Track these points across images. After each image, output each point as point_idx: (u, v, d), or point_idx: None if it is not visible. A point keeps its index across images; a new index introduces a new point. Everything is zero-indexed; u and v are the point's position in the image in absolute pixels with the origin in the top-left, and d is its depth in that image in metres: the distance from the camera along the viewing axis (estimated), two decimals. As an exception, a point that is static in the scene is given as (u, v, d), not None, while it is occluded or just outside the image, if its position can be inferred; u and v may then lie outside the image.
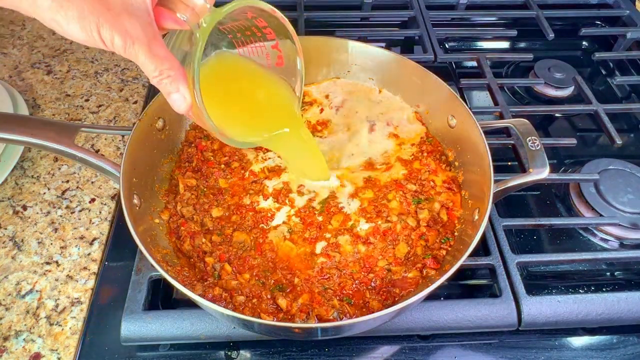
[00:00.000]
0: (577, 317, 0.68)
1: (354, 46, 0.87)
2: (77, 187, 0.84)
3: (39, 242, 0.77)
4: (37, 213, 0.80)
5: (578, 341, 0.70)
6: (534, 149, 0.68)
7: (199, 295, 0.57)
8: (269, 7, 0.54)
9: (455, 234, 0.71)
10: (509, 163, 0.88)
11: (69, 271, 0.74)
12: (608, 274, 0.78)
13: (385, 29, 1.22)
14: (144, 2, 0.46)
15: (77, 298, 0.71)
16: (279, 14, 0.55)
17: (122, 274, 0.72)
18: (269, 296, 0.63)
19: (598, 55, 1.08)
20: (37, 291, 0.72)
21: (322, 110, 0.87)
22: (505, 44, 1.20)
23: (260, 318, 0.60)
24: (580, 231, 0.81)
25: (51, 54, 1.08)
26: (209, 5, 0.50)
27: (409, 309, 0.65)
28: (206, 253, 0.68)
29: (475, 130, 0.71)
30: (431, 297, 0.60)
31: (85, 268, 0.74)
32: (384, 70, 0.87)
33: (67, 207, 0.82)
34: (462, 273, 0.76)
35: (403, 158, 0.79)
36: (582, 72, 1.06)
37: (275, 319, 0.61)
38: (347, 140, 0.82)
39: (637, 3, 1.24)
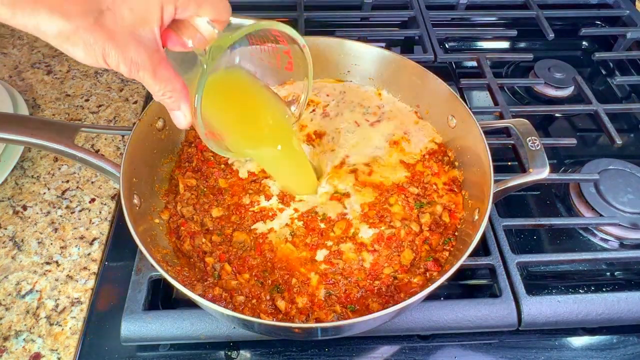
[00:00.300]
0: (577, 317, 0.68)
1: (354, 46, 0.87)
2: (77, 187, 0.84)
3: (39, 242, 0.77)
4: (37, 213, 0.80)
5: (578, 341, 0.70)
6: (534, 149, 0.68)
7: (199, 295, 0.57)
8: (281, 29, 0.54)
9: (456, 234, 0.71)
10: (509, 163, 0.88)
11: (69, 271, 0.74)
12: (608, 274, 0.78)
13: (385, 29, 1.22)
14: (152, 31, 0.47)
15: (77, 298, 0.71)
16: (292, 33, 0.55)
17: (122, 274, 0.72)
18: (267, 297, 0.63)
19: (598, 55, 1.08)
20: (37, 291, 0.72)
21: (314, 110, 0.86)
22: (505, 44, 1.20)
23: (260, 318, 0.60)
24: (580, 231, 0.81)
25: (51, 53, 1.08)
26: (217, 32, 0.49)
27: (409, 309, 0.65)
28: (206, 253, 0.68)
29: (475, 130, 0.71)
30: (431, 297, 0.60)
31: (85, 268, 0.74)
32: (383, 71, 0.87)
33: (67, 207, 0.82)
34: (462, 273, 0.76)
35: (406, 162, 0.79)
36: (582, 72, 1.06)
37: (274, 320, 0.61)
38: (342, 141, 0.82)
39: (637, 3, 1.24)
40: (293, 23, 1.13)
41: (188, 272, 0.65)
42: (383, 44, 1.14)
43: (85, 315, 0.70)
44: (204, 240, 0.69)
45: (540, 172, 0.66)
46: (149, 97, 0.99)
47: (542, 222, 0.78)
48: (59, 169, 0.87)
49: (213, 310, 0.57)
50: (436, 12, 1.17)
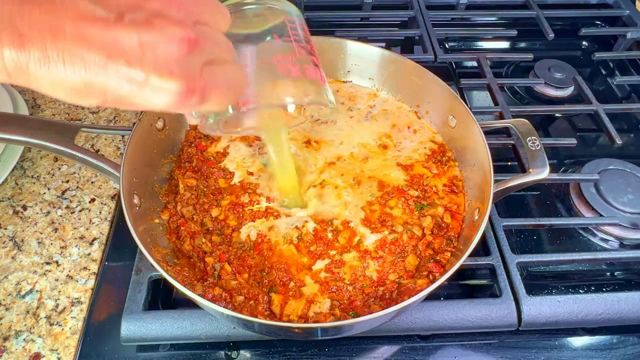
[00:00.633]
0: (577, 317, 0.68)
1: (354, 46, 0.87)
2: (77, 187, 0.84)
3: (39, 242, 0.77)
4: (37, 213, 0.80)
5: (578, 341, 0.70)
6: (534, 149, 0.68)
7: (199, 295, 0.57)
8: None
9: (459, 236, 0.70)
10: (509, 163, 0.88)
11: (69, 271, 0.74)
12: (608, 274, 0.78)
13: (385, 29, 1.22)
14: None
15: (77, 298, 0.71)
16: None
17: (122, 274, 0.72)
18: (265, 299, 0.63)
19: (598, 55, 1.08)
20: (37, 291, 0.72)
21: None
22: (505, 44, 1.20)
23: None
24: (580, 231, 0.81)
25: (51, 54, 1.07)
26: None
27: (409, 309, 0.65)
28: (206, 253, 0.68)
29: (475, 130, 0.71)
30: (431, 297, 0.60)
31: (85, 268, 0.74)
32: (383, 71, 0.87)
33: (67, 207, 0.82)
34: (462, 273, 0.76)
35: (402, 163, 0.79)
36: (582, 72, 1.06)
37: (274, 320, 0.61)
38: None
39: (637, 3, 1.24)
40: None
41: (188, 272, 0.65)
42: (383, 44, 1.14)
43: (85, 315, 0.70)
44: (204, 240, 0.69)
45: (541, 172, 0.66)
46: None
47: (542, 222, 0.78)
48: (59, 169, 0.87)
49: (213, 310, 0.57)
50: (436, 12, 1.17)
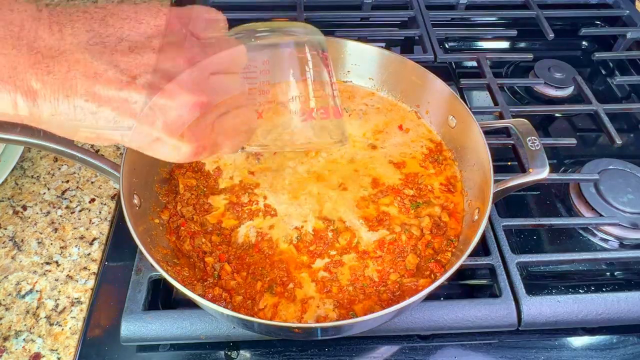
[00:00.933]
0: (577, 317, 0.68)
1: (354, 46, 0.87)
2: (77, 187, 0.84)
3: (38, 242, 0.77)
4: (37, 213, 0.80)
5: (578, 341, 0.70)
6: (533, 149, 0.68)
7: (199, 295, 0.57)
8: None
9: (459, 236, 0.71)
10: (509, 163, 0.88)
11: (69, 271, 0.74)
12: (608, 274, 0.78)
13: (385, 29, 1.22)
14: None
15: (77, 298, 0.71)
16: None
17: (122, 274, 0.72)
18: (262, 300, 0.63)
19: (598, 55, 1.08)
20: (37, 291, 0.72)
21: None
22: (505, 44, 1.20)
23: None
24: (580, 231, 0.81)
25: (51, 54, 1.07)
26: None
27: (409, 309, 0.65)
28: (206, 253, 0.68)
29: (475, 130, 0.71)
30: (431, 297, 0.60)
31: (85, 268, 0.74)
32: (383, 71, 0.87)
33: (67, 207, 0.82)
34: (462, 273, 0.76)
35: (394, 161, 0.79)
36: (582, 72, 1.06)
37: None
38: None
39: (637, 3, 1.24)
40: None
41: (188, 272, 0.65)
42: (383, 44, 1.14)
43: (85, 315, 0.70)
44: (203, 240, 0.69)
45: (540, 172, 0.66)
46: (148, 97, 0.99)
47: (542, 222, 0.78)
48: (59, 169, 0.87)
49: (213, 310, 0.57)
50: (436, 12, 1.17)
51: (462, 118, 0.75)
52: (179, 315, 0.65)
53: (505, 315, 0.67)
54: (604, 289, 0.73)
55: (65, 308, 0.70)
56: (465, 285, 0.76)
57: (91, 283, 0.73)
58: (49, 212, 0.81)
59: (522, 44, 1.20)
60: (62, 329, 0.68)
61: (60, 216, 0.80)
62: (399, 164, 0.79)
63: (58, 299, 0.71)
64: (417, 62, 0.82)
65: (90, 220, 0.80)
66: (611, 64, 1.14)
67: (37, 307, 0.70)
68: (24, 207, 0.81)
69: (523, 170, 0.83)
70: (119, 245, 0.77)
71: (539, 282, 0.75)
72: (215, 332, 0.65)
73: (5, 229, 0.78)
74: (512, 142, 0.87)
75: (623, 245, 0.80)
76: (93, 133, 0.39)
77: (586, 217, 0.81)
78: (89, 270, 0.74)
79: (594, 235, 0.81)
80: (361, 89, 0.90)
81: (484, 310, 0.67)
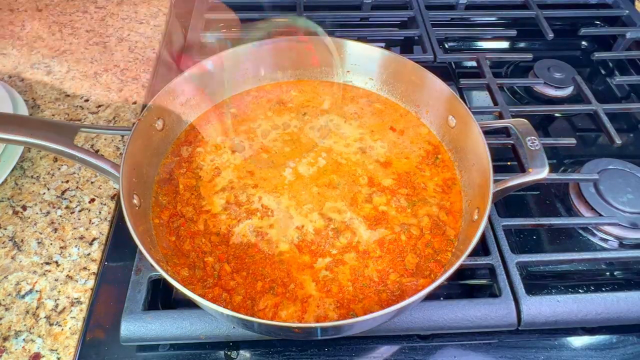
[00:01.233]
0: (576, 316, 0.68)
1: (354, 46, 0.87)
2: (77, 187, 0.84)
3: (38, 242, 0.77)
4: (37, 213, 0.80)
5: (578, 341, 0.70)
6: (533, 148, 0.68)
7: (199, 295, 0.57)
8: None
9: (459, 236, 0.71)
10: (509, 163, 0.88)
11: (69, 271, 0.74)
12: (607, 273, 0.78)
13: (384, 29, 1.22)
14: None
15: (77, 298, 0.71)
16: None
17: (121, 274, 0.72)
18: (262, 301, 0.63)
19: (597, 55, 1.08)
20: (36, 291, 0.72)
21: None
22: (504, 44, 1.20)
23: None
24: (580, 231, 0.81)
25: (51, 54, 1.07)
26: None
27: (409, 308, 0.65)
28: (206, 253, 0.68)
29: (474, 130, 0.71)
30: (431, 297, 0.60)
31: (85, 268, 0.74)
32: (383, 71, 0.87)
33: (66, 207, 0.82)
34: (462, 273, 0.76)
35: (393, 161, 0.79)
36: (581, 72, 1.06)
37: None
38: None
39: (636, 3, 1.24)
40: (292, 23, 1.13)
41: (188, 272, 0.65)
42: (383, 44, 1.15)
43: (85, 315, 0.70)
44: (203, 240, 0.69)
45: (540, 172, 0.66)
46: (148, 98, 0.99)
47: (542, 222, 0.78)
48: (59, 169, 0.87)
49: (213, 310, 0.57)
50: (436, 12, 1.17)
51: (462, 118, 0.75)
52: (179, 315, 0.65)
53: (505, 315, 0.67)
54: (603, 289, 0.73)
55: (65, 308, 0.70)
56: (465, 285, 0.76)
57: (91, 283, 0.73)
58: (48, 212, 0.81)
59: (522, 44, 1.20)
60: (62, 329, 0.68)
61: (60, 216, 0.80)
62: (398, 164, 0.79)
63: (58, 299, 0.71)
64: (416, 62, 0.82)
65: (90, 221, 0.80)
66: (611, 64, 1.14)
67: (37, 307, 0.70)
68: (24, 207, 0.81)
69: (523, 170, 0.83)
70: (119, 245, 0.77)
71: (539, 281, 0.75)
72: (215, 332, 0.65)
73: (5, 229, 0.78)
74: (511, 142, 0.87)
75: (622, 245, 0.80)
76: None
77: (586, 217, 0.81)
78: (89, 270, 0.74)
79: (594, 235, 0.81)
80: (361, 89, 0.90)
81: (483, 310, 0.67)
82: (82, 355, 0.66)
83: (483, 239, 0.74)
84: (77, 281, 0.73)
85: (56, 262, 0.75)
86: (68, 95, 1.00)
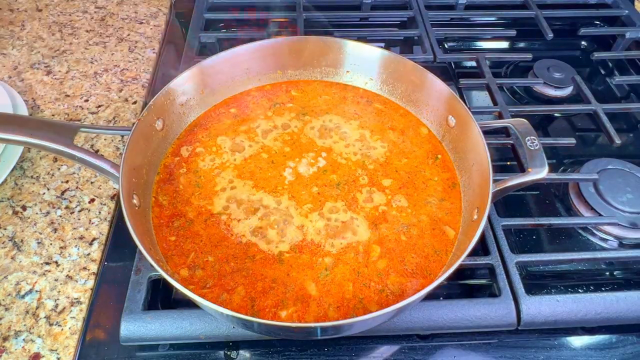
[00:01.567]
0: (576, 316, 0.68)
1: (353, 46, 0.87)
2: (77, 188, 0.84)
3: (38, 243, 0.77)
4: (37, 213, 0.81)
5: (577, 341, 0.70)
6: (533, 148, 0.68)
7: (199, 295, 0.57)
8: None
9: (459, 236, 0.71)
10: (508, 163, 0.88)
11: (69, 271, 0.74)
12: (607, 273, 0.78)
13: (384, 29, 1.23)
14: None
15: (77, 298, 0.71)
16: None
17: (121, 274, 0.72)
18: (262, 301, 0.63)
19: (597, 55, 1.09)
20: (36, 291, 0.72)
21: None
22: (504, 44, 1.20)
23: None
24: (580, 231, 0.81)
25: (50, 54, 1.08)
26: None
27: (408, 308, 0.65)
28: (206, 253, 0.68)
29: (474, 130, 0.72)
30: (430, 296, 0.61)
31: (84, 268, 0.74)
32: (383, 71, 0.87)
33: (66, 207, 0.82)
34: (462, 273, 0.76)
35: (392, 161, 0.79)
36: (581, 72, 1.06)
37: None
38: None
39: (636, 3, 1.24)
40: (292, 23, 1.13)
41: (188, 272, 0.65)
42: (382, 44, 1.15)
43: (85, 316, 0.70)
44: (203, 240, 0.69)
45: (539, 172, 0.66)
46: (148, 98, 0.99)
47: (542, 222, 0.78)
48: (59, 169, 0.87)
49: (213, 310, 0.57)
50: (435, 12, 1.17)
51: (462, 118, 0.76)
52: (179, 315, 0.65)
53: (505, 315, 0.67)
54: (603, 289, 0.73)
55: (64, 308, 0.70)
56: (465, 285, 0.76)
57: (91, 283, 0.73)
58: (48, 212, 0.81)
59: (522, 44, 1.20)
60: (62, 329, 0.68)
61: (60, 216, 0.80)
62: (398, 164, 0.79)
63: (58, 299, 0.71)
64: (416, 62, 0.82)
65: (90, 221, 0.80)
66: (610, 64, 1.14)
67: (37, 307, 0.70)
68: (24, 208, 0.81)
69: (522, 170, 0.83)
70: (119, 245, 0.77)
71: (538, 281, 0.75)
72: (215, 332, 0.65)
73: (5, 229, 0.78)
74: (511, 141, 0.87)
75: (622, 244, 0.80)
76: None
77: (585, 217, 0.81)
78: (89, 270, 0.74)
79: (593, 234, 0.81)
80: (361, 89, 0.90)
81: (483, 309, 0.67)
82: (82, 355, 0.66)
83: (483, 238, 0.74)
84: (77, 281, 0.73)
85: (56, 262, 0.75)
86: (68, 95, 1.00)
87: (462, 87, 1.01)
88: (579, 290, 0.73)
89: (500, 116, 0.92)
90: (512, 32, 1.13)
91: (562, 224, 0.80)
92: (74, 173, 0.86)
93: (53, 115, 0.96)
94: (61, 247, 0.77)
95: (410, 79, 0.84)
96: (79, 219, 0.80)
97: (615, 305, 0.68)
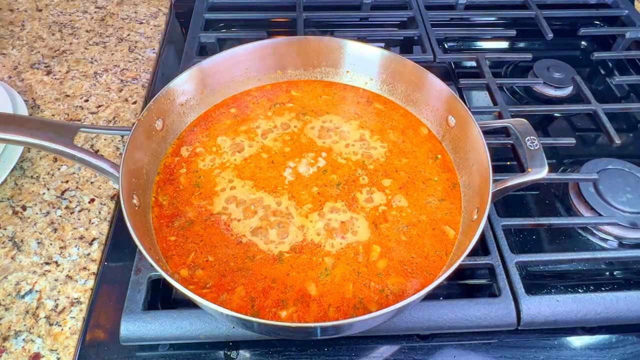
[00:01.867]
0: (576, 316, 0.68)
1: (353, 46, 0.87)
2: (77, 188, 0.84)
3: (38, 243, 0.77)
4: (37, 213, 0.81)
5: (577, 341, 0.70)
6: (532, 148, 0.68)
7: (199, 295, 0.57)
8: None
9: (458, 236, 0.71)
10: (508, 163, 0.88)
11: (69, 271, 0.74)
12: (607, 273, 0.78)
13: (384, 29, 1.23)
14: None
15: (77, 298, 0.71)
16: None
17: (121, 274, 0.72)
18: (262, 301, 0.63)
19: (597, 55, 1.09)
20: (36, 291, 0.72)
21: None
22: (504, 44, 1.21)
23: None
24: (580, 231, 0.81)
25: (50, 54, 1.08)
26: None
27: (408, 308, 0.65)
28: (206, 253, 0.68)
29: (474, 130, 0.72)
30: (430, 296, 0.61)
31: (84, 268, 0.74)
32: (383, 71, 0.87)
33: (66, 207, 0.82)
34: (462, 273, 0.76)
35: (392, 161, 0.79)
36: (581, 71, 1.06)
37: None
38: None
39: (636, 3, 1.24)
40: (292, 23, 1.13)
41: (188, 272, 0.65)
42: (382, 44, 1.15)
43: (85, 316, 0.70)
44: (203, 240, 0.69)
45: (539, 172, 0.67)
46: (148, 98, 1.00)
47: (541, 222, 0.78)
48: (59, 169, 0.87)
49: (213, 310, 0.57)
50: (435, 12, 1.17)
51: (462, 118, 0.76)
52: (179, 315, 0.65)
53: (505, 315, 0.67)
54: (603, 289, 0.73)
55: (64, 308, 0.70)
56: (465, 285, 0.76)
57: (91, 283, 0.73)
58: (48, 213, 0.81)
59: (521, 44, 1.20)
60: (62, 329, 0.68)
61: (60, 216, 0.80)
62: (398, 163, 0.79)
63: (58, 299, 0.71)
64: (416, 62, 0.82)
65: (90, 221, 0.80)
66: (610, 64, 1.14)
67: (37, 307, 0.70)
68: (24, 208, 0.81)
69: (522, 170, 0.83)
70: (119, 245, 0.77)
71: (538, 281, 0.75)
72: (215, 332, 0.65)
73: (5, 229, 0.78)
74: (511, 141, 0.87)
75: (622, 244, 0.80)
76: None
77: (585, 217, 0.81)
78: (89, 270, 0.74)
79: (593, 234, 0.81)
80: (361, 89, 0.90)
81: (483, 309, 0.67)
82: (82, 355, 0.66)
83: (482, 238, 0.74)
84: (77, 281, 0.73)
85: (56, 262, 0.75)
86: (68, 95, 1.00)
87: (462, 87, 1.01)
88: (579, 290, 0.73)
89: (500, 116, 0.92)
90: (512, 32, 1.13)
91: (562, 224, 0.80)
92: (74, 173, 0.86)
93: (53, 115, 0.96)
94: (61, 247, 0.77)
95: (410, 79, 0.84)
96: (79, 219, 0.80)
97: (615, 305, 0.68)
